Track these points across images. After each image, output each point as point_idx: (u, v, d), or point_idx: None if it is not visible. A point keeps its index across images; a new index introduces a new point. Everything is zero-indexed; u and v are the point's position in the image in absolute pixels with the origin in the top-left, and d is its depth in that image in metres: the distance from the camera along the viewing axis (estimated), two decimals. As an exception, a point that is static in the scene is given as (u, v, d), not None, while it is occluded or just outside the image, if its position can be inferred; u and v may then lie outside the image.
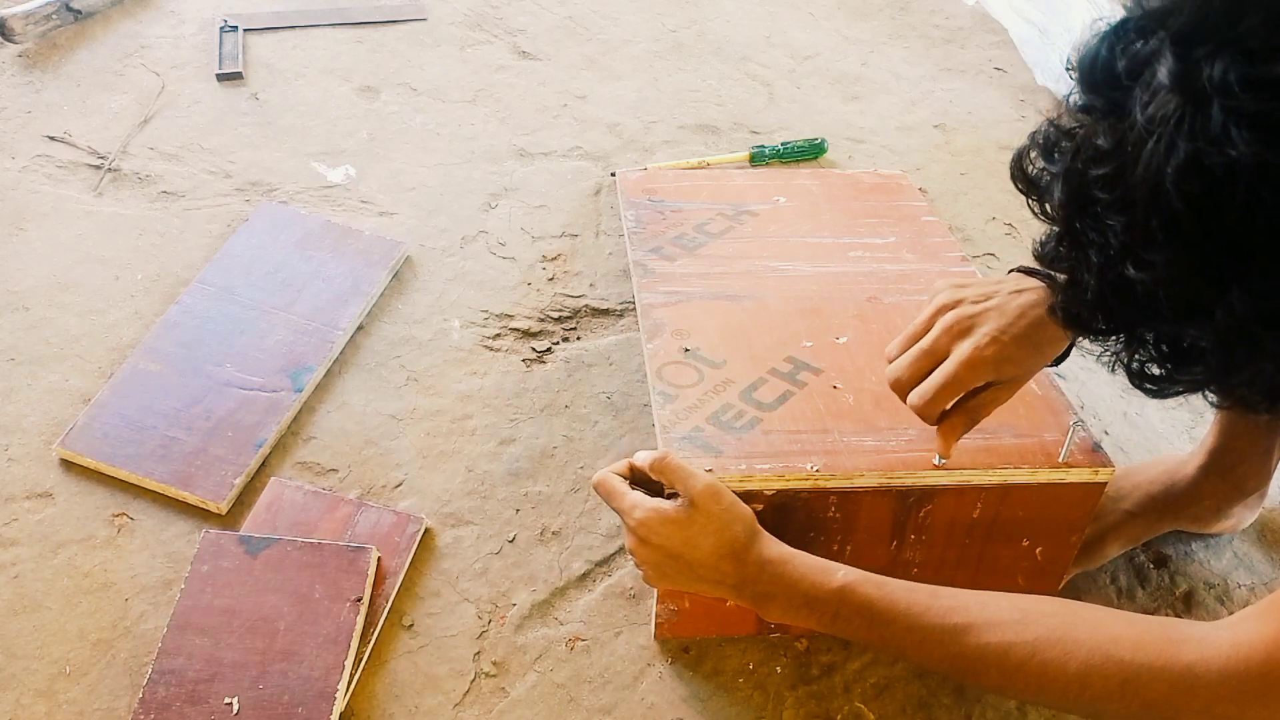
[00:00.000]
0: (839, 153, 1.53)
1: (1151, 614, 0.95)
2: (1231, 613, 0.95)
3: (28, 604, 0.89)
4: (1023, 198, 0.60)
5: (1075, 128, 0.54)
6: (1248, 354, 0.50)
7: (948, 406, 0.75)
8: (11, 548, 0.93)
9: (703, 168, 1.44)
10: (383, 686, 0.85)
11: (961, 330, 0.75)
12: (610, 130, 1.53)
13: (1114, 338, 0.57)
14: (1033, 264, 0.79)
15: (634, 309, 1.14)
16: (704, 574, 0.75)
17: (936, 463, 0.82)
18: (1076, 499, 0.85)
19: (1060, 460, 0.83)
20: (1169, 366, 0.55)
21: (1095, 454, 0.84)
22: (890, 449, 0.84)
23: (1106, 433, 1.13)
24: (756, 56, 1.74)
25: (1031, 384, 0.91)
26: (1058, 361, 0.80)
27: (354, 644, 0.85)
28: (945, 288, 0.79)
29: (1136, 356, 0.57)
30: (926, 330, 0.77)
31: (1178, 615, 0.95)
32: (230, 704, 0.81)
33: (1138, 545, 0.99)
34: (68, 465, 1.00)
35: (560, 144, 1.50)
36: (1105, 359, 0.59)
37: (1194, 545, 1.01)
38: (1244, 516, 0.99)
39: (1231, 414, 0.93)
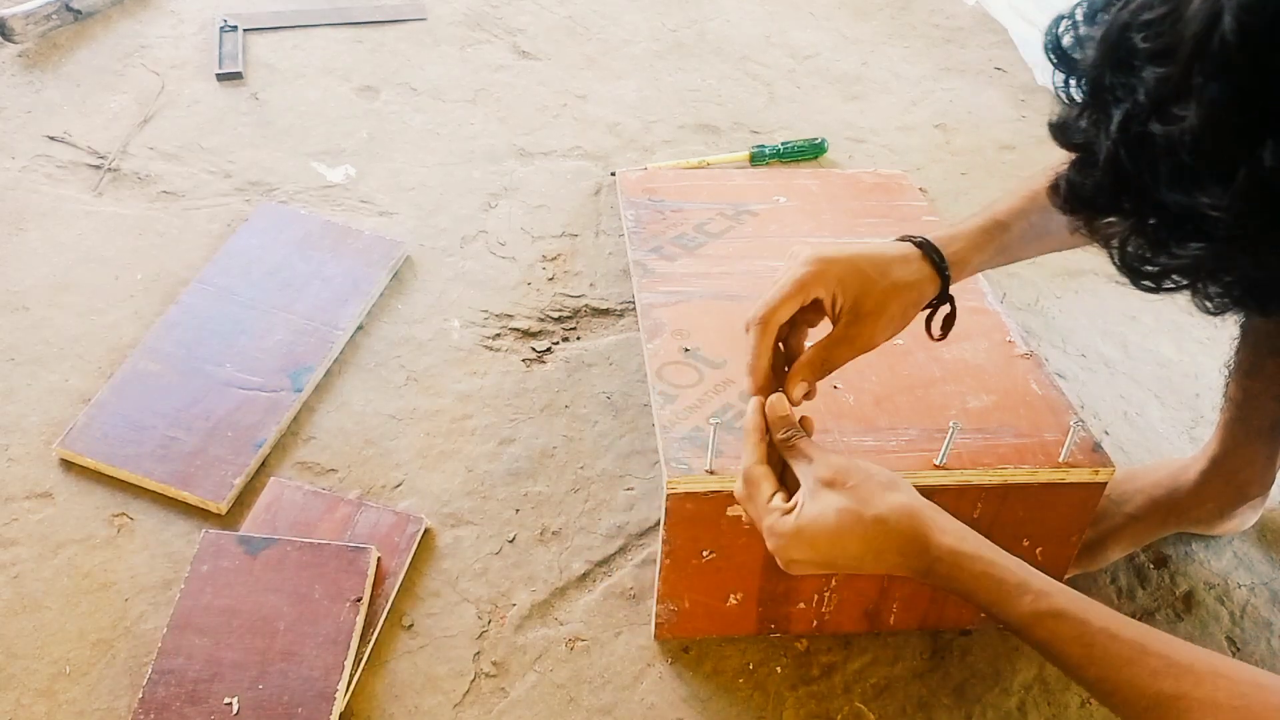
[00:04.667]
0: (839, 153, 1.53)
1: (1150, 614, 0.95)
2: (1232, 613, 0.96)
3: (28, 604, 0.89)
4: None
5: None
6: (1263, 224, 0.48)
7: (784, 317, 0.74)
8: (11, 548, 0.93)
9: (703, 167, 1.44)
10: (383, 686, 0.85)
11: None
12: (610, 130, 1.53)
13: (1113, 220, 0.55)
14: (918, 234, 0.79)
15: (634, 309, 1.14)
16: (870, 568, 0.67)
17: (937, 462, 0.82)
18: (1077, 499, 0.85)
19: (1060, 460, 0.83)
20: (1168, 248, 0.53)
21: (1095, 454, 0.84)
22: (890, 449, 0.84)
23: (1106, 433, 1.13)
24: (756, 56, 1.74)
25: (1031, 384, 0.91)
26: (933, 313, 0.78)
27: (354, 644, 0.85)
28: None
29: (1133, 240, 0.55)
30: None
31: (1178, 615, 0.95)
32: (230, 704, 0.81)
33: (1139, 548, 0.99)
34: (68, 465, 1.00)
35: (560, 144, 1.50)
36: (1101, 246, 0.57)
37: (1194, 545, 1.01)
38: (1247, 517, 0.99)
39: (1234, 419, 0.92)
